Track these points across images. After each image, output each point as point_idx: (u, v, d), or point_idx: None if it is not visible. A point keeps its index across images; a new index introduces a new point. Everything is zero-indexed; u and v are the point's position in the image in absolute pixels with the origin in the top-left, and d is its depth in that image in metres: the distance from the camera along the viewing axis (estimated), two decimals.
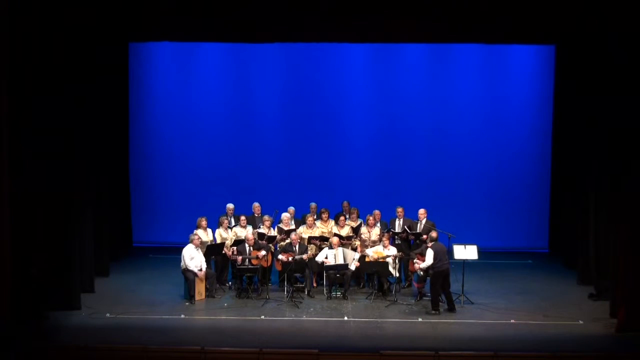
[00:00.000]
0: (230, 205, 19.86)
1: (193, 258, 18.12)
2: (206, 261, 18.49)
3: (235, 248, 18.73)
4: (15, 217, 15.87)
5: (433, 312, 17.30)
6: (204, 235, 18.88)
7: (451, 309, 17.46)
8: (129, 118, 22.41)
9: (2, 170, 15.37)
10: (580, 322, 16.89)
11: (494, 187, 23.05)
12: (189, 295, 18.06)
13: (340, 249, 18.54)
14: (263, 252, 18.37)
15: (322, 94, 23.01)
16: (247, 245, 18.51)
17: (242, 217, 19.37)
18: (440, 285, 17.38)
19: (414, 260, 18.11)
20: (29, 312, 16.21)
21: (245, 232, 18.99)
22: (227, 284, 19.24)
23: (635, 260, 16.26)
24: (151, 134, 23.20)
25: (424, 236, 18.45)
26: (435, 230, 17.91)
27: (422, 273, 17.75)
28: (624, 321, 16.24)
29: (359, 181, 22.89)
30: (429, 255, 17.38)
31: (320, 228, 19.37)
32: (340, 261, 18.41)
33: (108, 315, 17.05)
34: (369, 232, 19.07)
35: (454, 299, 17.59)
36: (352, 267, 18.46)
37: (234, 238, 19.06)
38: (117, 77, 21.34)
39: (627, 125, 16.39)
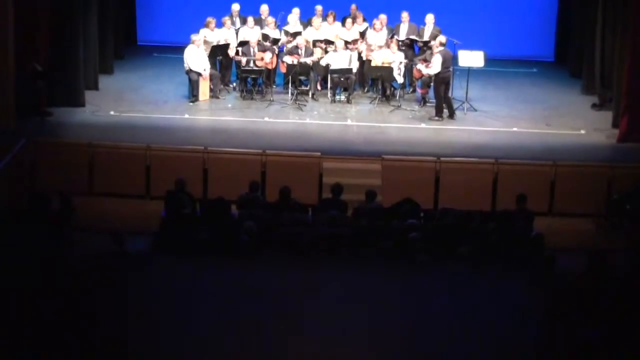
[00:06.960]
0: (235, 6, 19.50)
1: (197, 59, 18.01)
2: (211, 62, 18.41)
3: (240, 49, 18.61)
4: (19, 14, 15.70)
5: (436, 118, 17.35)
6: (211, 35, 18.68)
7: (451, 115, 17.44)
8: None
9: None
10: (583, 131, 16.99)
11: None
12: (193, 95, 18.08)
13: (344, 51, 18.35)
14: (268, 54, 18.26)
15: None
16: (251, 47, 18.38)
17: (250, 18, 19.08)
18: (443, 91, 17.34)
19: (417, 67, 17.97)
20: (33, 108, 16.21)
21: (252, 33, 18.79)
22: (231, 85, 19.22)
23: None
24: None
25: (432, 42, 18.21)
26: (443, 35, 17.68)
27: (426, 77, 17.59)
28: (625, 131, 16.33)
29: None
30: (437, 61, 17.18)
31: (327, 31, 19.13)
32: (343, 64, 18.28)
33: (112, 113, 17.15)
34: (375, 36, 18.85)
35: (457, 106, 17.59)
36: (353, 67, 18.30)
37: (239, 39, 18.88)
38: None
39: None
